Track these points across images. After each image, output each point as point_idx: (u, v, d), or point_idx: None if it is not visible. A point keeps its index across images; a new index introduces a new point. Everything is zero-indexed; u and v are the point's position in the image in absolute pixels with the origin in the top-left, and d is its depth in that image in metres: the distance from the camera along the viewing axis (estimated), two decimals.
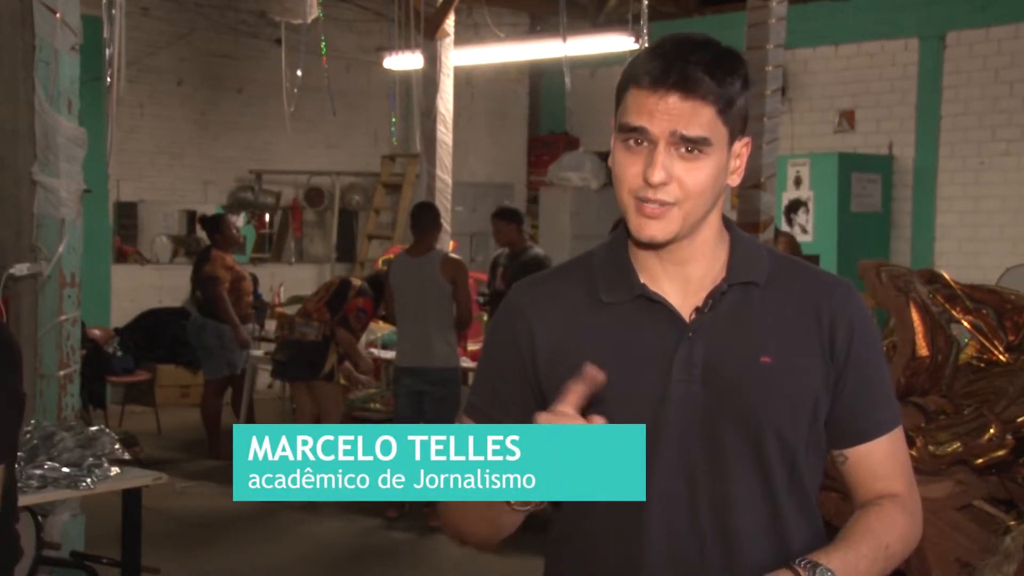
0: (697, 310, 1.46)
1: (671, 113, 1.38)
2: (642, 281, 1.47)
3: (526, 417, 1.49)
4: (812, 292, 1.49)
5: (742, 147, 1.46)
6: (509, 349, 1.52)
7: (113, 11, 4.04)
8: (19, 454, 3.37)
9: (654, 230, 1.41)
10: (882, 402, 1.51)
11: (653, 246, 1.44)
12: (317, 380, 6.20)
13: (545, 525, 1.57)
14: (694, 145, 1.39)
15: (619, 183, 1.44)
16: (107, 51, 4.12)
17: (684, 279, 1.48)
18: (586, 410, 1.46)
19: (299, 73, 6.26)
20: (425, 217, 5.89)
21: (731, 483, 1.43)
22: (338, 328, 6.15)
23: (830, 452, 1.52)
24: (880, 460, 1.50)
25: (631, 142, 1.41)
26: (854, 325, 1.48)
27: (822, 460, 1.52)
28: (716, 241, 1.49)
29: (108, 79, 4.16)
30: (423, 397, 5.78)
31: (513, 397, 1.52)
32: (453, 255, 5.83)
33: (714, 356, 1.44)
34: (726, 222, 1.52)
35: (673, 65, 1.38)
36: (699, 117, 1.38)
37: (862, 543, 1.41)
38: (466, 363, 6.39)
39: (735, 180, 1.47)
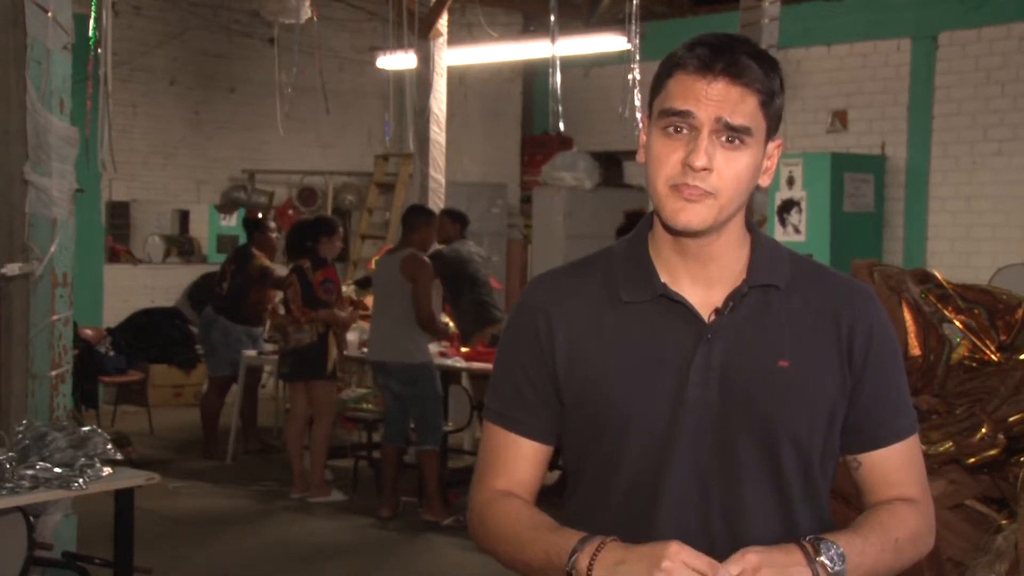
0: (717, 311, 1.44)
1: (718, 99, 1.38)
2: (663, 280, 1.46)
3: (550, 415, 1.50)
4: (831, 297, 1.48)
5: (775, 148, 1.46)
6: (531, 346, 1.49)
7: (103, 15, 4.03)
8: (11, 455, 3.36)
9: (690, 216, 1.39)
10: (899, 409, 1.50)
11: (688, 234, 1.42)
12: (321, 379, 6.20)
13: None
14: (736, 135, 1.38)
15: (656, 170, 1.41)
16: (99, 49, 4.11)
17: (706, 277, 1.46)
18: (602, 415, 1.45)
19: (294, 72, 6.25)
20: (409, 218, 5.94)
21: (744, 488, 1.42)
22: (318, 313, 6.12)
23: (843, 458, 1.51)
24: (894, 467, 1.49)
25: (671, 129, 1.40)
26: (873, 331, 1.47)
27: (836, 466, 1.51)
28: (739, 241, 1.48)
29: (101, 77, 4.14)
30: (400, 396, 5.82)
31: (538, 396, 1.50)
32: (417, 254, 5.79)
33: (732, 360, 1.42)
34: (749, 224, 1.51)
35: (722, 52, 1.39)
36: (744, 106, 1.39)
37: (871, 532, 1.40)
38: (459, 363, 6.40)
39: (766, 180, 1.46)
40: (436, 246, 7.05)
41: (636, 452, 1.44)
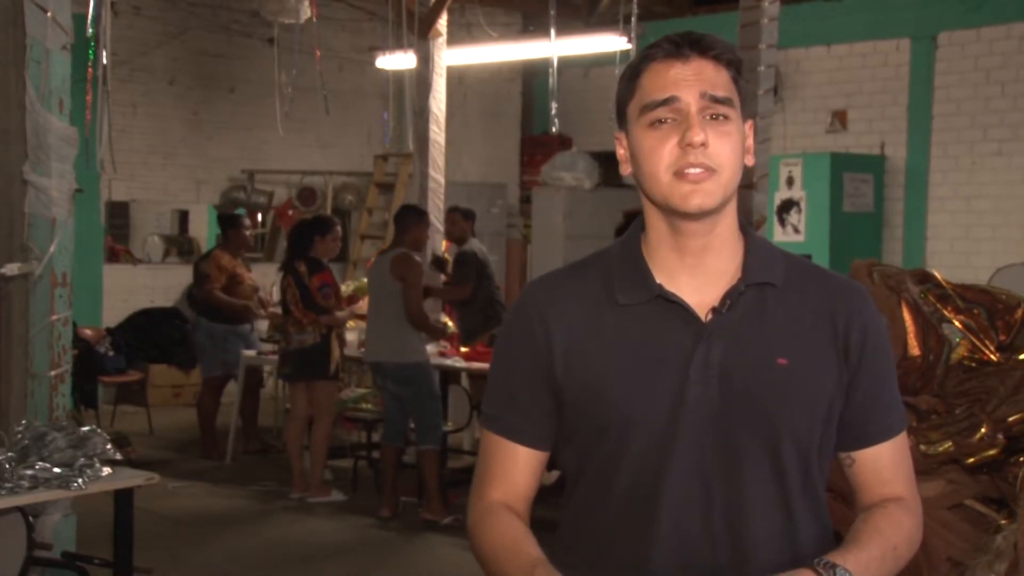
0: (714, 310, 1.45)
1: (697, 76, 1.41)
2: (658, 281, 1.47)
3: (546, 421, 1.51)
4: (827, 296, 1.49)
5: (749, 128, 1.49)
6: (526, 350, 1.50)
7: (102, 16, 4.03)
8: (10, 455, 3.36)
9: (701, 197, 1.41)
10: (891, 406, 1.52)
11: (700, 216, 1.43)
12: (324, 380, 6.20)
13: (552, 525, 1.56)
14: (722, 107, 1.41)
15: (654, 163, 1.42)
16: (100, 48, 4.11)
17: (703, 273, 1.47)
18: (602, 416, 1.45)
19: (293, 72, 6.25)
20: (401, 218, 5.96)
21: (745, 486, 1.43)
22: (320, 318, 6.13)
23: (836, 455, 1.52)
24: (886, 464, 1.50)
25: (657, 123, 1.42)
26: (867, 330, 1.48)
27: (830, 462, 1.52)
28: (734, 235, 1.49)
29: (100, 77, 4.14)
30: (397, 396, 5.83)
31: (535, 400, 1.50)
32: (408, 254, 5.80)
33: (731, 358, 1.43)
34: (742, 225, 1.52)
35: (686, 36, 1.44)
36: (721, 78, 1.43)
37: (872, 544, 1.41)
38: (458, 363, 6.40)
39: (750, 160, 1.49)
40: (447, 246, 7.11)
41: (636, 452, 1.44)
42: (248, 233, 7.55)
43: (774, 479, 1.44)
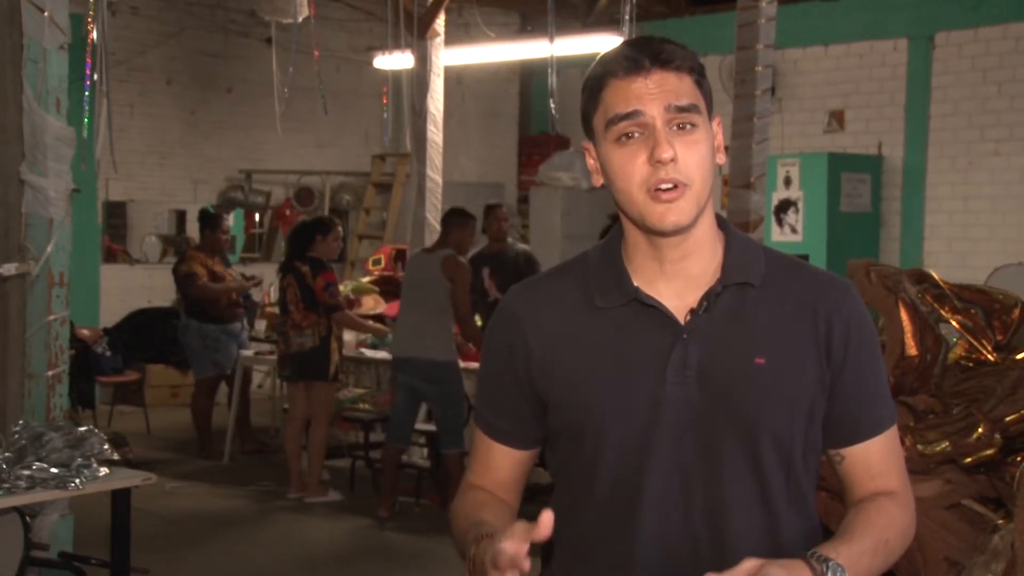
0: (692, 311, 1.45)
1: (660, 89, 1.41)
2: (636, 284, 1.47)
3: (528, 423, 1.53)
4: (808, 292, 1.48)
5: (717, 126, 1.48)
6: (503, 354, 1.52)
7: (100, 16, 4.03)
8: (7, 455, 3.36)
9: (677, 215, 1.40)
10: (879, 401, 1.51)
11: (676, 233, 1.43)
12: (323, 381, 6.20)
13: None
14: (688, 116, 1.41)
15: (625, 180, 1.42)
16: (100, 48, 4.11)
17: (683, 277, 1.47)
18: (580, 418, 1.46)
19: (291, 72, 6.24)
20: (448, 220, 5.98)
21: (726, 485, 1.43)
22: (330, 318, 6.13)
23: (826, 452, 1.52)
24: (876, 459, 1.50)
25: (623, 137, 1.42)
26: (850, 325, 1.47)
27: (819, 461, 1.52)
28: (713, 236, 1.48)
29: (95, 77, 4.14)
30: (421, 396, 5.80)
31: (512, 404, 1.53)
32: (455, 255, 5.80)
33: (709, 358, 1.43)
34: (721, 222, 1.52)
35: (644, 48, 1.43)
36: (684, 86, 1.42)
37: (864, 537, 1.41)
38: (471, 365, 6.38)
39: (722, 158, 1.49)
40: (474, 244, 7.14)
41: (616, 453, 1.45)
42: (225, 237, 7.50)
43: (755, 478, 1.44)
